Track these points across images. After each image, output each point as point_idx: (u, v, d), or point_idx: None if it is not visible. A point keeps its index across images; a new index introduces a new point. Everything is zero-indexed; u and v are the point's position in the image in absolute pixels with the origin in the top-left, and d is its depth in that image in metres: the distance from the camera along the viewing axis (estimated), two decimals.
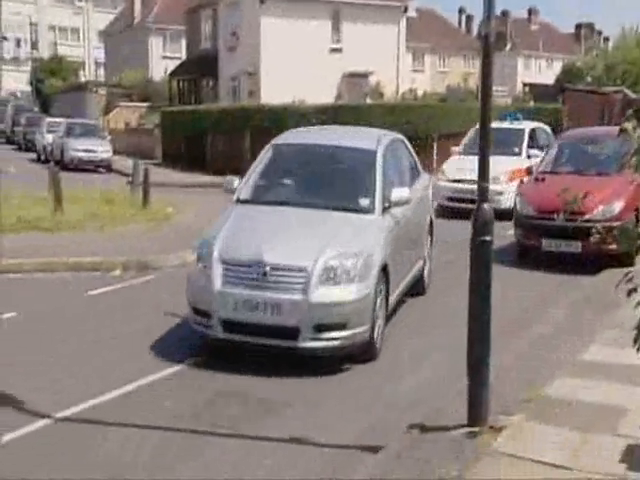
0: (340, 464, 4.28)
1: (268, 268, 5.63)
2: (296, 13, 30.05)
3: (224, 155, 23.32)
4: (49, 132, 28.77)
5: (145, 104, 38.88)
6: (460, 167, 14.24)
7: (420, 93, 37.69)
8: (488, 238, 4.34)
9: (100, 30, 64.06)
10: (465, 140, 15.79)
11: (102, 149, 26.28)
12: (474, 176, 16.83)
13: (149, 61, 47.61)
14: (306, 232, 6.12)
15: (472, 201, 14.67)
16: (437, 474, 3.87)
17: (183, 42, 43.58)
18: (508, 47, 54.40)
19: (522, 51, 57.41)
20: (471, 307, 4.34)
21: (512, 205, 12.85)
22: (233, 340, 5.79)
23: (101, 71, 63.68)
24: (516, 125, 15.38)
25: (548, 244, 9.48)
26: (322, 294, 5.61)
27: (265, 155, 7.34)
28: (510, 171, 13.76)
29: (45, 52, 71.14)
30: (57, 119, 31.13)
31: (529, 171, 14.01)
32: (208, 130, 24.70)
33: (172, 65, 41.93)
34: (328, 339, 5.65)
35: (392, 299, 6.63)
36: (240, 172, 8.76)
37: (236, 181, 7.08)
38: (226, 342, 5.83)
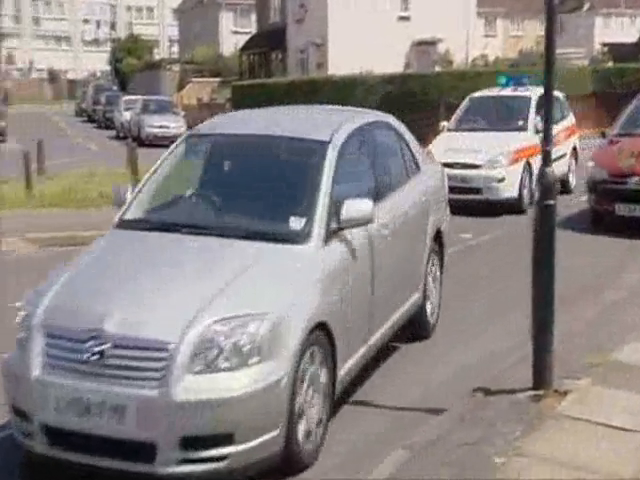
0: (403, 425, 4.35)
1: (108, 345, 3.53)
2: None
3: None
4: (126, 110, 29.61)
5: (216, 79, 39.48)
6: (450, 147, 11.11)
7: (492, 59, 36.75)
8: (552, 202, 4.32)
9: (174, 8, 65.18)
10: (457, 114, 12.58)
11: (175, 125, 26.87)
12: (466, 158, 11.79)
13: (219, 37, 48.17)
14: (182, 280, 3.93)
15: (463, 190, 10.68)
16: (499, 435, 3.93)
17: (253, 17, 43.85)
18: (586, 7, 52.20)
19: (600, 10, 54.99)
20: (535, 272, 4.34)
21: (517, 194, 10.36)
22: (57, 458, 3.67)
23: (175, 48, 64.91)
24: (520, 92, 11.78)
25: (622, 209, 9.24)
26: (193, 387, 3.46)
27: (175, 151, 5.13)
28: (513, 151, 10.74)
29: (122, 32, 73.05)
30: (134, 97, 32.03)
31: (537, 150, 12.13)
32: (277, 103, 24.88)
33: (242, 40, 42.32)
34: (205, 460, 3.49)
35: (344, 372, 4.31)
36: None
37: (129, 192, 4.88)
38: (50, 460, 3.71)
